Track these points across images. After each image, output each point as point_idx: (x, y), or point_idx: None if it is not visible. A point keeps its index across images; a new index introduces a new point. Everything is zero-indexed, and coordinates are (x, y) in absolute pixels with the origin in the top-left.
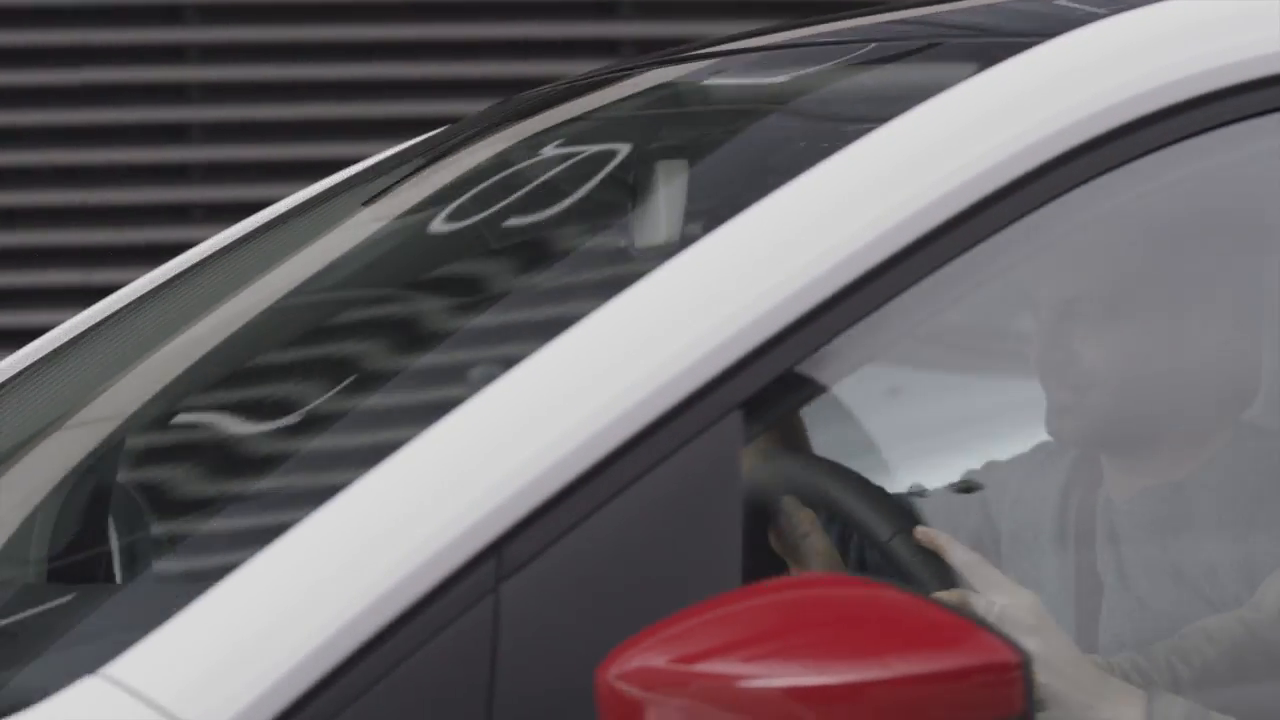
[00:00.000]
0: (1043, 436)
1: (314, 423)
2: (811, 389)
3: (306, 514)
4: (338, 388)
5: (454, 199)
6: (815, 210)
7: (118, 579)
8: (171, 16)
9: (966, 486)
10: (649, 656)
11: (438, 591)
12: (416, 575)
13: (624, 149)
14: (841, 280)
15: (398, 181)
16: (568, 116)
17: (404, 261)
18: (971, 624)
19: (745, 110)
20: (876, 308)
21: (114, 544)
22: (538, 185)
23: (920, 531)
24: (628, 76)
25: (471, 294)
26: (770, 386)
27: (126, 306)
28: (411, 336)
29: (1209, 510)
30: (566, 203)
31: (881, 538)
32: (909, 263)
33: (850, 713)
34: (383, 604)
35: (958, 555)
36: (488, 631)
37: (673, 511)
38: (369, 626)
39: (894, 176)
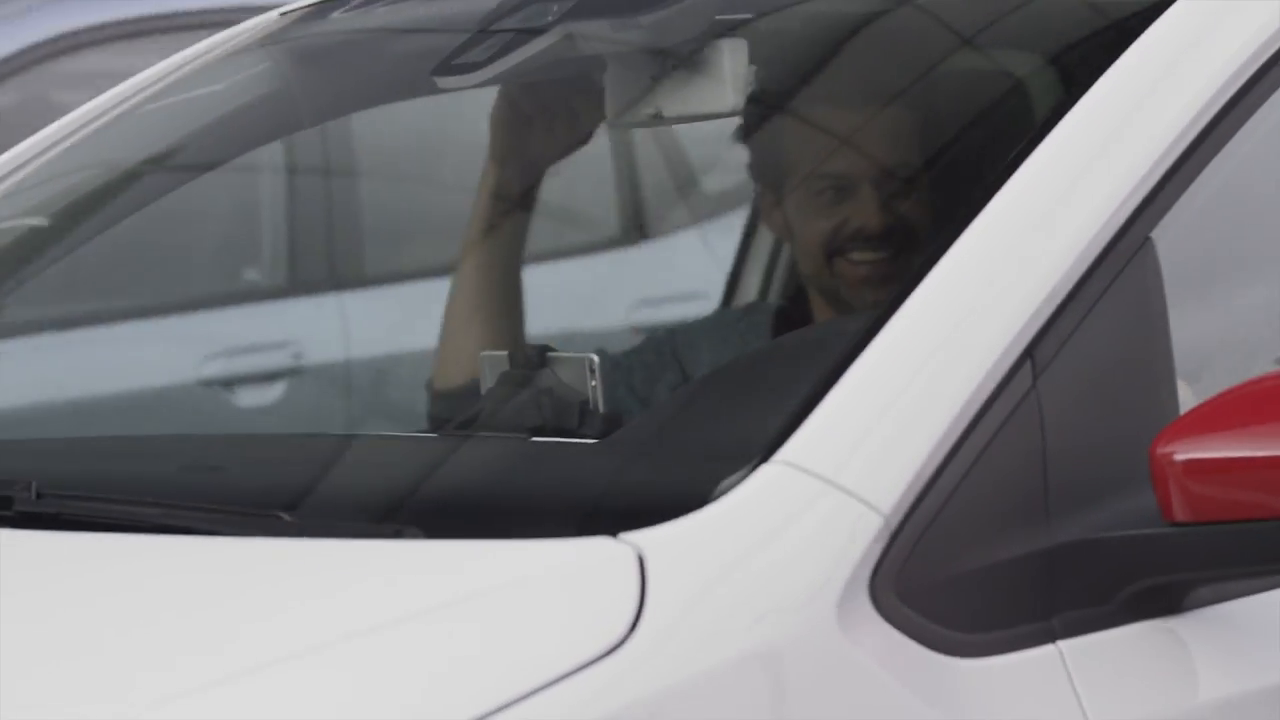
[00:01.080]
0: None
1: None
2: None
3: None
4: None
5: None
6: None
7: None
8: None
9: None
10: (1191, 439)
11: (995, 393)
12: (979, 380)
13: None
14: None
15: None
16: None
17: None
18: None
19: None
20: None
21: None
22: None
23: None
24: None
25: None
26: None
27: None
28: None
29: None
30: None
31: None
32: None
33: None
34: (970, 402)
35: None
36: (1035, 418)
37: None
38: (966, 414)
39: None
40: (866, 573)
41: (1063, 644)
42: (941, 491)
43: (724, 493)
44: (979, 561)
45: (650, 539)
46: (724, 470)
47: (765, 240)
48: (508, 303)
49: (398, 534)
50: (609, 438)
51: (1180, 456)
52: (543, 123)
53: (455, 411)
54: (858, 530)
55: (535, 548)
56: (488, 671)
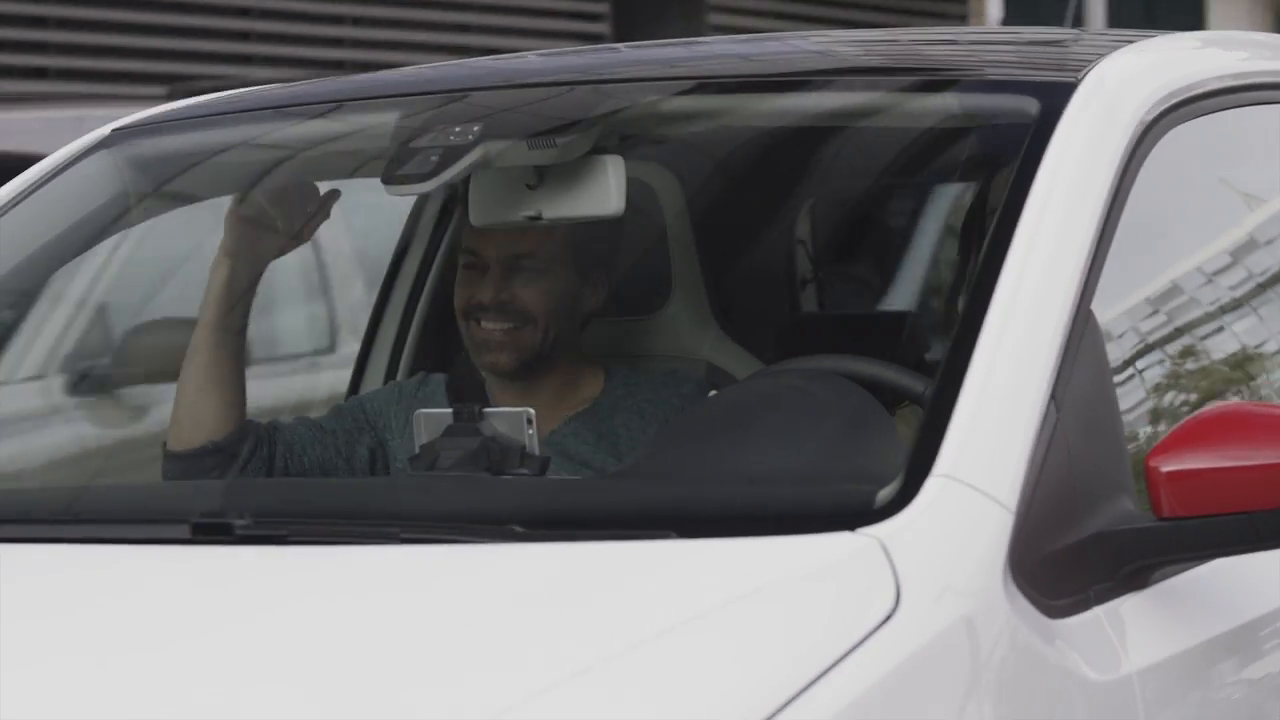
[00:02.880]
0: None
1: None
2: None
3: None
4: None
5: None
6: None
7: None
8: None
9: None
10: (1175, 454)
11: (1042, 424)
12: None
13: None
14: None
15: None
16: None
17: None
18: None
19: None
20: None
21: None
22: None
23: None
24: None
25: None
26: None
27: None
28: None
29: None
30: None
31: None
32: None
33: None
34: (1033, 429)
35: None
36: (1064, 444)
37: None
38: (1033, 439)
39: None
40: (1005, 555)
41: (1098, 609)
42: (1029, 499)
43: (905, 501)
44: (1047, 550)
45: (882, 533)
46: (901, 482)
47: (392, 321)
48: (236, 377)
49: (659, 535)
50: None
51: (1166, 468)
52: (269, 223)
53: (200, 470)
54: (1002, 525)
55: (793, 544)
56: (804, 640)
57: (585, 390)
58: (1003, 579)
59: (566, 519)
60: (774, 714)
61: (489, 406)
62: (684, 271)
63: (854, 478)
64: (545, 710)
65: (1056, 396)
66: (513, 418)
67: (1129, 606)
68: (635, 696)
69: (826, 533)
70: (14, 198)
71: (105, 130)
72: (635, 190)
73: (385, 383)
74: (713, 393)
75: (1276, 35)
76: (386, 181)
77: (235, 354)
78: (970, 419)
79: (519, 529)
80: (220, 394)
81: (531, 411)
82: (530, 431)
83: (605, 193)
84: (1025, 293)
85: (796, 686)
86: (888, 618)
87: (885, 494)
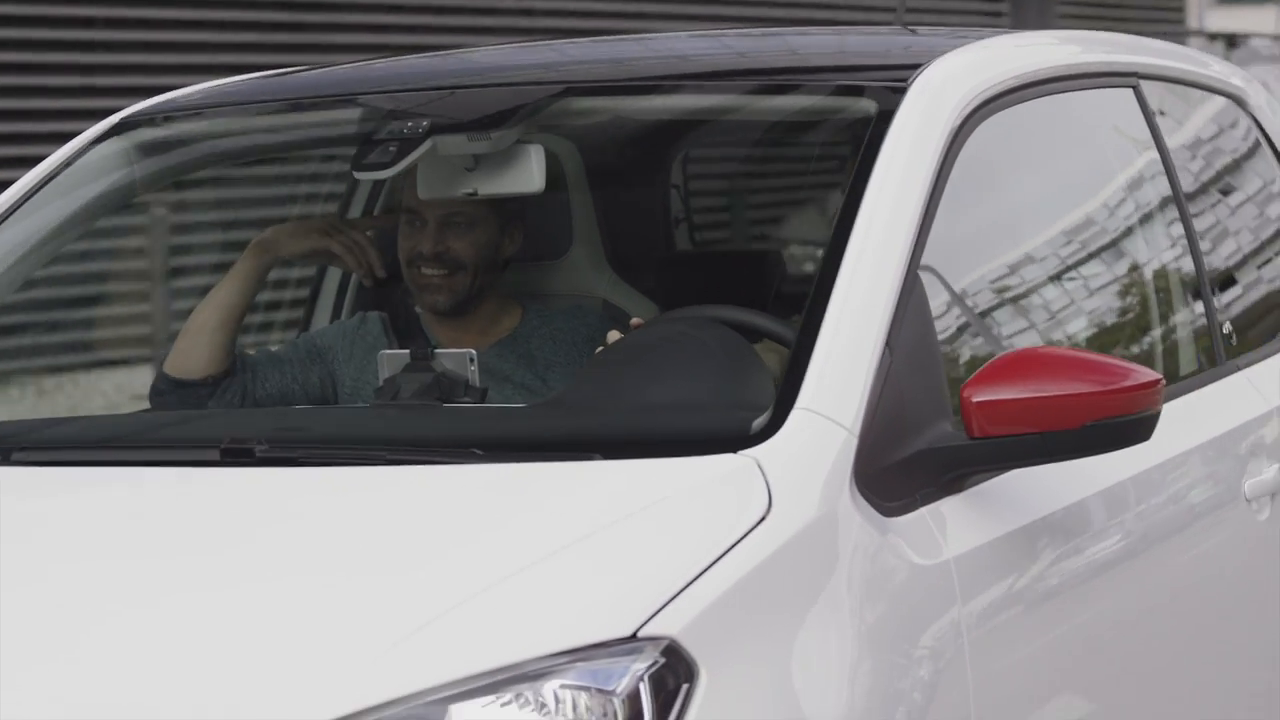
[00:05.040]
0: None
1: None
2: None
3: None
4: None
5: None
6: None
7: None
8: None
9: None
10: (984, 387)
11: (879, 365)
12: (875, 357)
13: None
14: None
15: None
16: None
17: None
18: (1125, 363)
19: None
20: None
21: None
22: None
23: None
24: None
25: None
26: None
27: None
28: None
29: None
30: None
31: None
32: None
33: (1078, 407)
34: (872, 371)
35: None
36: (896, 381)
37: None
38: (870, 379)
39: None
40: (851, 469)
41: (923, 510)
42: (869, 425)
43: (774, 428)
44: (883, 464)
45: (758, 454)
46: (771, 413)
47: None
48: (239, 323)
49: (589, 457)
50: (669, 396)
51: (976, 399)
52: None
53: (194, 398)
54: (848, 446)
55: (690, 462)
56: (702, 538)
57: (506, 322)
58: (849, 488)
59: (513, 443)
60: (677, 593)
61: (422, 338)
62: (582, 223)
63: (734, 408)
64: (514, 586)
65: (890, 343)
66: (458, 357)
67: (948, 507)
68: (561, 581)
69: (715, 454)
70: (30, 184)
71: (115, 118)
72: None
73: (331, 321)
74: (613, 334)
75: (1087, 32)
76: (355, 169)
77: (246, 306)
78: (823, 363)
79: (478, 451)
80: (227, 336)
81: (474, 352)
82: (473, 368)
83: (530, 175)
84: (865, 262)
85: (694, 572)
86: (762, 518)
87: (759, 422)
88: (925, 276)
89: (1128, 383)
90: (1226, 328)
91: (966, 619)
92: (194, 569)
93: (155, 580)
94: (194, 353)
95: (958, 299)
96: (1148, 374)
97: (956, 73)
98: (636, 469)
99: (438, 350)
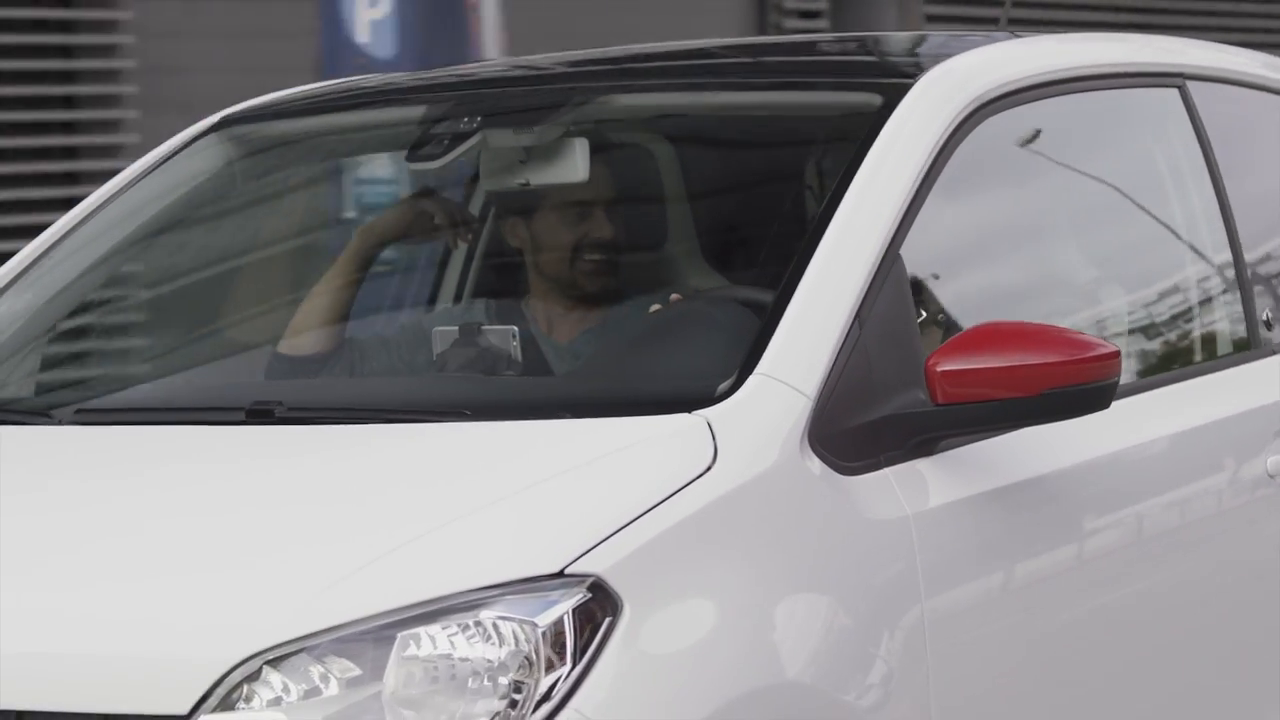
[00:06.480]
0: None
1: None
2: None
3: None
4: None
5: None
6: None
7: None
8: None
9: None
10: (947, 357)
11: (845, 339)
12: (842, 331)
13: None
14: None
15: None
16: None
17: None
18: (1086, 336)
19: None
20: None
21: None
22: None
23: None
24: None
25: None
26: None
27: None
28: None
29: None
30: None
31: None
32: None
33: (1038, 376)
34: (838, 345)
35: None
36: (864, 352)
37: None
38: (835, 352)
39: None
40: (805, 429)
41: (887, 470)
42: (830, 391)
43: (730, 392)
44: (847, 426)
45: (710, 415)
46: (730, 379)
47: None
48: (343, 311)
49: (558, 416)
50: (638, 361)
51: (941, 368)
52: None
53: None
54: (801, 409)
55: (646, 421)
56: (643, 487)
57: (601, 311)
58: (800, 446)
59: (498, 406)
60: (610, 535)
61: (531, 331)
62: (677, 221)
63: (709, 374)
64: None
65: (860, 317)
66: (502, 333)
67: (917, 469)
68: (504, 524)
69: (672, 414)
70: (130, 179)
71: (215, 117)
72: (640, 157)
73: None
74: (655, 307)
75: (1135, 35)
76: (410, 160)
77: (355, 289)
78: (787, 332)
79: (467, 412)
80: (334, 316)
81: (516, 329)
82: (515, 344)
83: (574, 166)
84: (844, 241)
85: (629, 518)
86: (705, 471)
87: (723, 386)
88: (912, 258)
89: (1088, 354)
90: (1265, 314)
91: (925, 571)
92: (183, 501)
93: (152, 509)
94: (304, 332)
95: (933, 278)
96: (1107, 346)
97: (969, 68)
98: (596, 427)
99: (485, 328)
